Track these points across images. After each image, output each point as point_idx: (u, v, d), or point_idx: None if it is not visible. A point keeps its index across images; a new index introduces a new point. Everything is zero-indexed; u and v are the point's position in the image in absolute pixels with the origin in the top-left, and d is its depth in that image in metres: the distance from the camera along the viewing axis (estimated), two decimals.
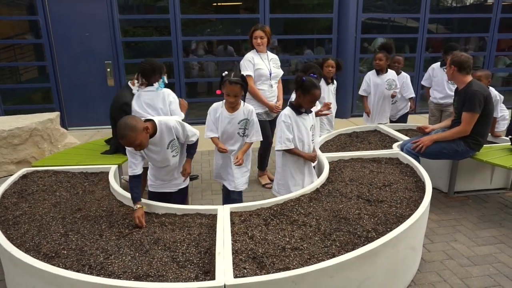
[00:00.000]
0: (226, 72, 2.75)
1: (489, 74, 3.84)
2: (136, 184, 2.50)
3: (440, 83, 4.60)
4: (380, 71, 4.42)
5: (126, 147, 2.49)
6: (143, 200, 2.53)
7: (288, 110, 2.85)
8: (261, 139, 3.07)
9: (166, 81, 3.22)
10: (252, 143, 2.97)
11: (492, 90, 3.84)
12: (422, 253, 2.80)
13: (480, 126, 3.30)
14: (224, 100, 2.87)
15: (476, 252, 2.87)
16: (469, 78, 3.32)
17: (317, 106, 3.30)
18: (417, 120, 5.19)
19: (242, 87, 2.75)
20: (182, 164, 2.80)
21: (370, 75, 4.51)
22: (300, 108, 2.83)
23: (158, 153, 2.59)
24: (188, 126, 2.68)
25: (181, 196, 2.89)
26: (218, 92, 2.86)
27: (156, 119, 2.53)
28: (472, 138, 3.31)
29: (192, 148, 2.80)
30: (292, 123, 2.80)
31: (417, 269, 2.64)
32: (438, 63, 4.67)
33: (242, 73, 3.71)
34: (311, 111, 2.93)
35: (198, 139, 2.77)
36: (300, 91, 2.76)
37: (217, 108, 2.91)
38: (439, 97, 4.64)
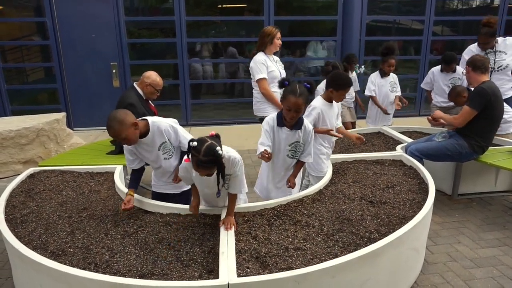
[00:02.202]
0: (195, 144, 2.00)
1: (464, 89, 3.80)
2: (133, 174, 2.67)
3: (440, 87, 4.67)
4: (385, 74, 4.46)
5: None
6: (139, 198, 2.62)
7: (271, 116, 2.63)
8: (243, 192, 2.43)
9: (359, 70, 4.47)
10: (236, 196, 2.38)
11: None
12: (425, 255, 2.80)
13: (483, 129, 3.30)
14: None
15: (479, 254, 2.87)
16: (484, 78, 3.30)
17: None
18: (421, 123, 5.19)
19: (216, 165, 2.05)
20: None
21: (375, 77, 4.54)
22: (282, 119, 2.55)
23: (150, 153, 2.60)
24: (182, 132, 2.60)
25: (184, 199, 2.79)
26: (186, 160, 2.21)
27: (150, 119, 2.52)
28: (476, 141, 3.31)
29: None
30: (269, 130, 2.58)
31: (420, 270, 2.65)
32: (439, 67, 4.72)
33: (257, 76, 3.69)
34: (300, 128, 2.58)
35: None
36: (282, 95, 2.52)
37: (190, 168, 2.24)
38: (441, 101, 4.70)
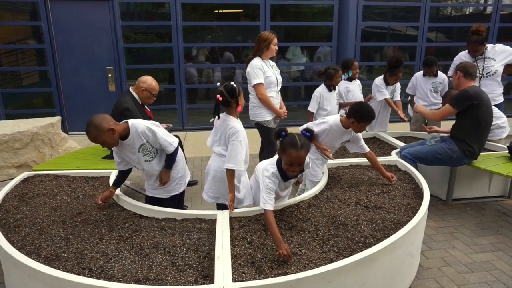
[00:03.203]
0: (232, 83, 2.59)
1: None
2: (119, 174, 2.77)
3: (423, 92, 4.77)
4: (388, 83, 4.48)
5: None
6: (135, 202, 2.63)
7: (273, 175, 2.36)
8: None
9: (349, 75, 4.45)
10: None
11: None
12: (420, 260, 2.81)
13: (472, 132, 3.34)
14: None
15: (473, 259, 2.88)
16: (472, 83, 3.42)
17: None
18: (404, 128, 5.25)
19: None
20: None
21: (382, 83, 4.51)
22: (286, 174, 2.35)
23: (134, 154, 2.62)
24: (161, 135, 2.59)
25: (173, 203, 2.79)
26: (239, 109, 2.62)
27: (130, 121, 2.54)
28: (468, 145, 3.35)
29: (168, 159, 2.71)
30: (274, 187, 2.35)
31: (414, 275, 2.66)
32: (421, 72, 4.81)
33: (254, 81, 3.69)
34: (302, 171, 2.47)
35: (176, 150, 2.70)
36: (280, 147, 2.30)
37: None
38: (423, 104, 4.77)
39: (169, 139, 2.64)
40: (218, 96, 2.50)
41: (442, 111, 3.49)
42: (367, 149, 3.09)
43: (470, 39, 4.28)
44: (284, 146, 2.23)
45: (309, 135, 2.32)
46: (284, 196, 2.65)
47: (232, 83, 2.56)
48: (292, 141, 2.20)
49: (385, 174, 3.02)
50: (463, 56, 4.48)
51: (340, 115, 3.06)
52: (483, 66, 4.29)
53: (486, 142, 4.06)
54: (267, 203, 2.25)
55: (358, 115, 2.82)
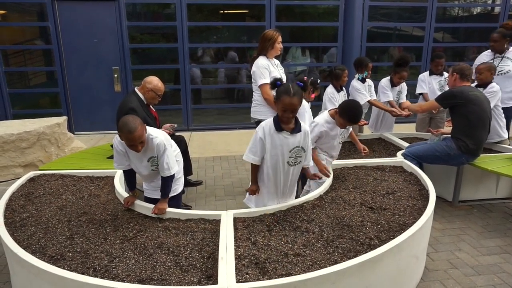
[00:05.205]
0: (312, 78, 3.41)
1: (492, 66, 3.88)
2: (126, 177, 2.76)
3: (433, 91, 4.71)
4: (394, 84, 4.44)
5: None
6: (139, 202, 2.64)
7: (266, 122, 2.48)
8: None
9: (365, 76, 4.31)
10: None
11: (494, 85, 3.88)
12: (426, 262, 2.79)
13: (466, 129, 3.34)
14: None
15: (480, 261, 2.85)
16: (467, 84, 3.49)
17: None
18: (409, 128, 5.21)
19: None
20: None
21: (388, 84, 4.46)
22: (280, 123, 2.44)
23: (140, 162, 2.58)
24: (166, 157, 2.53)
25: (172, 204, 2.66)
26: (313, 95, 3.42)
27: (147, 131, 2.48)
28: (463, 141, 3.35)
29: (164, 185, 2.59)
30: (265, 138, 2.43)
31: (420, 277, 2.63)
32: (427, 72, 4.79)
33: (260, 81, 3.62)
34: (300, 130, 2.47)
35: (172, 176, 2.60)
36: (275, 96, 2.46)
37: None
38: None
39: (170, 164, 2.55)
40: (305, 77, 3.36)
41: (427, 105, 3.79)
42: (351, 129, 3.34)
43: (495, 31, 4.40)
44: (279, 93, 2.41)
45: (303, 85, 2.57)
46: (284, 158, 2.50)
47: (318, 79, 3.45)
48: (286, 89, 2.38)
49: (359, 146, 3.36)
50: (484, 56, 4.52)
51: (329, 110, 3.11)
52: (498, 64, 4.33)
53: (496, 144, 4.03)
54: (247, 155, 2.52)
55: (345, 113, 2.87)
